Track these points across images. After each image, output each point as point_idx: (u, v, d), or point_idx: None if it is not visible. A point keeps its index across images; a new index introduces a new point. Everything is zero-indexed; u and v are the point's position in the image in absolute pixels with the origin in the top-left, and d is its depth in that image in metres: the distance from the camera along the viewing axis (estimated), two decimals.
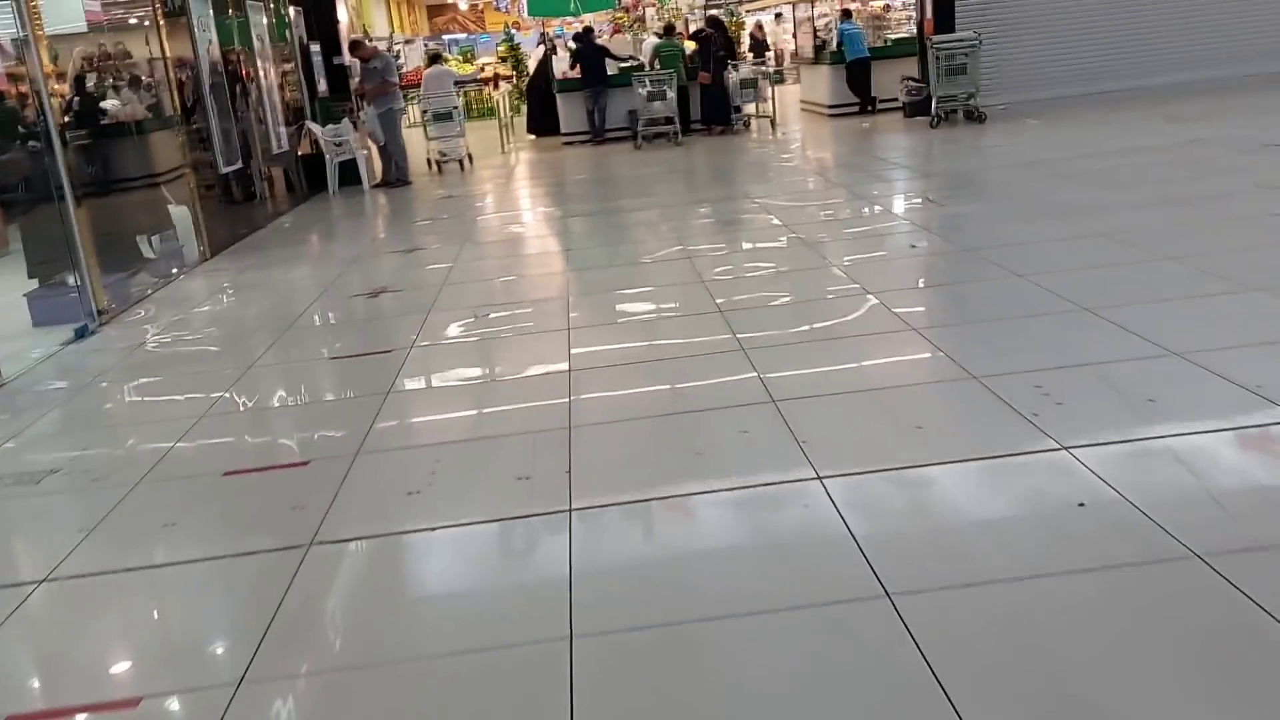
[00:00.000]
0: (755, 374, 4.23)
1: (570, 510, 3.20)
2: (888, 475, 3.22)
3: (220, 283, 7.70)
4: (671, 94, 13.96)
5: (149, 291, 7.37)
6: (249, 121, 10.18)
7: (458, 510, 3.30)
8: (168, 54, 8.34)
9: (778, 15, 27.26)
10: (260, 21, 10.94)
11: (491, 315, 5.81)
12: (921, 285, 5.73)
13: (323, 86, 12.93)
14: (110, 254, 7.06)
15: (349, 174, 12.28)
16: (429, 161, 13.70)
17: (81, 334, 6.36)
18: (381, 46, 24.60)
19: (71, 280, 6.64)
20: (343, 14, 13.89)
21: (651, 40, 16.45)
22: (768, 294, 5.71)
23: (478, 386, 4.70)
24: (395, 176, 12.39)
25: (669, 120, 14.15)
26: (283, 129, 11.25)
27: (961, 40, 12.66)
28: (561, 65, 15.54)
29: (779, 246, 7.02)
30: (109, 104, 7.63)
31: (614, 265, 7.05)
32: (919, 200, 8.21)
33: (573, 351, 4.88)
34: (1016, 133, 11.69)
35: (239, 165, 9.59)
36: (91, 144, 7.34)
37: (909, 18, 17.60)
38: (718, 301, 5.51)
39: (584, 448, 3.69)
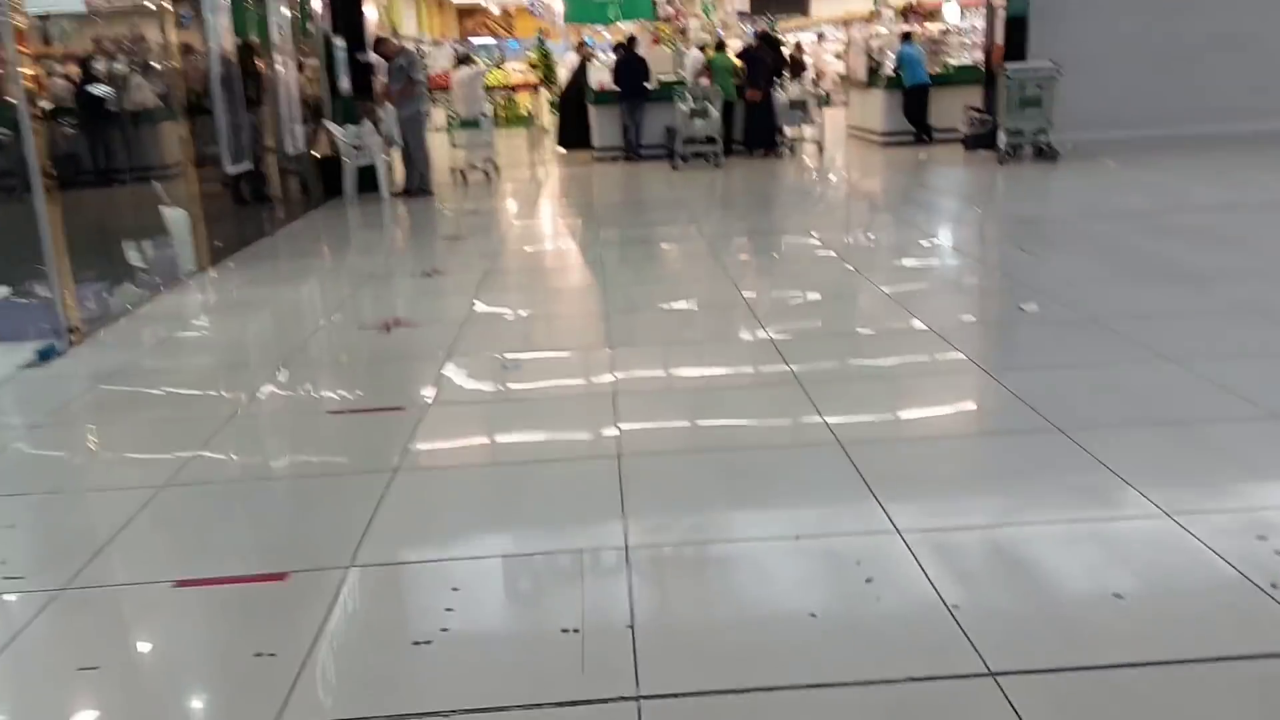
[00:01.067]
0: (874, 500, 3.25)
1: (639, 699, 2.26)
2: None
3: (214, 300, 6.79)
4: (715, 112, 13.06)
5: (131, 307, 6.47)
6: (262, 118, 9.30)
7: (482, 678, 2.36)
8: (171, 40, 7.45)
9: (820, 36, 26.40)
10: (280, 12, 10.07)
11: (521, 366, 4.88)
12: (1053, 365, 4.65)
13: (345, 85, 12.06)
14: (89, 260, 6.15)
15: (368, 180, 11.39)
16: (453, 171, 12.81)
17: (46, 355, 5.45)
18: (410, 46, 23.86)
19: (42, 290, 5.74)
20: (371, 11, 13.00)
21: (694, 54, 15.55)
22: (850, 359, 4.77)
23: (505, 472, 3.75)
24: (417, 185, 11.50)
25: (710, 140, 13.24)
26: (299, 128, 10.37)
27: (1038, 70, 11.73)
28: (599, 75, 14.65)
29: (856, 297, 6.10)
30: (98, 90, 6.74)
31: (658, 307, 6.12)
32: (1009, 248, 7.26)
33: (622, 428, 3.94)
34: (1095, 175, 10.74)
35: (247, 165, 8.70)
36: (76, 134, 6.45)
37: (972, 43, 16.69)
38: (793, 368, 4.57)
39: (647, 590, 2.75)
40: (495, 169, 12.88)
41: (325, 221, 10.14)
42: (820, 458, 3.55)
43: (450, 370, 4.87)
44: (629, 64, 13.93)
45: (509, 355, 5.00)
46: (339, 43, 12.01)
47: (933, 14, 19.55)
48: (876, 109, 14.95)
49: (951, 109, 14.16)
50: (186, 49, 7.71)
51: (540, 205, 11.07)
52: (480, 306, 6.20)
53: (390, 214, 10.71)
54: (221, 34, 8.21)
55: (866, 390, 4.35)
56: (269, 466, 3.96)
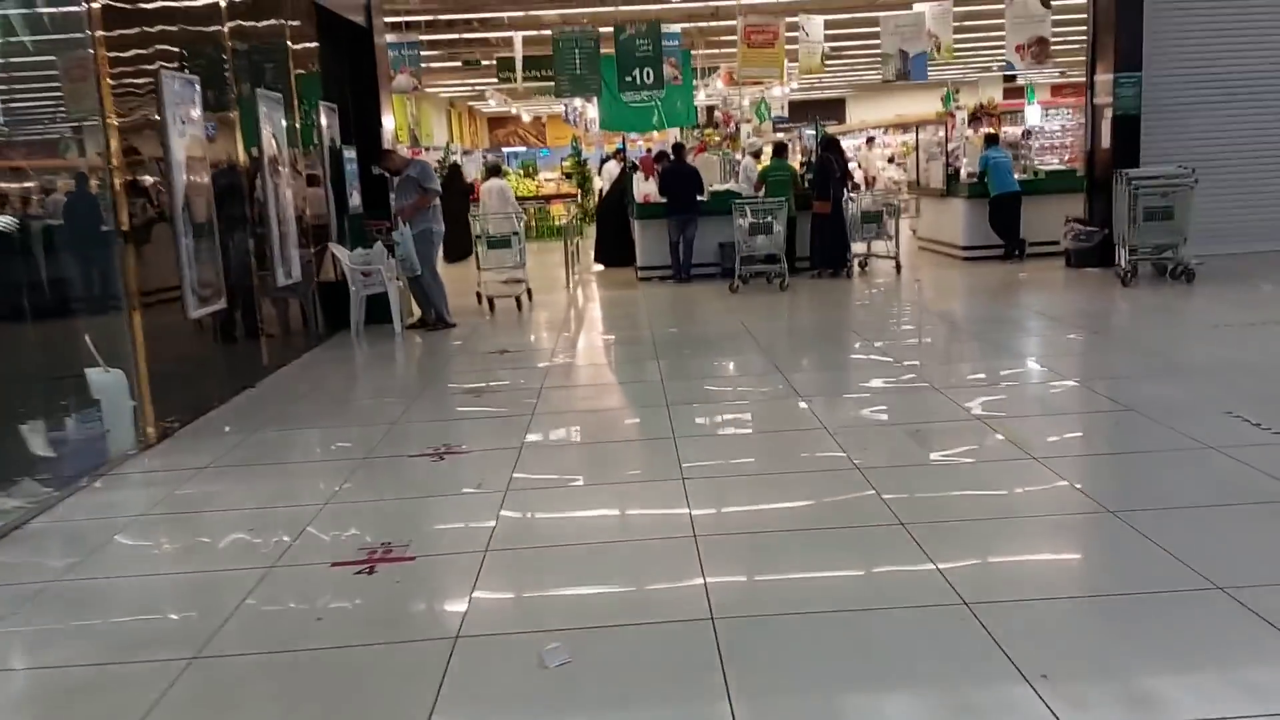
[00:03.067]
0: None
1: None
2: None
3: (142, 505, 4.94)
4: (779, 226, 11.35)
5: (29, 517, 4.65)
6: (244, 244, 7.63)
7: None
8: (114, 150, 5.77)
9: (869, 140, 25.00)
10: (277, 119, 8.50)
11: (573, 658, 2.98)
12: None
13: (355, 201, 10.47)
14: None
15: (378, 309, 9.70)
16: (479, 296, 11.11)
17: None
18: (436, 156, 22.60)
19: None
20: (389, 120, 11.49)
21: (749, 161, 13.97)
22: (1047, 591, 2.87)
23: None
24: (434, 317, 9.78)
25: (773, 259, 11.52)
26: (295, 253, 8.70)
27: (1171, 178, 9.95)
28: (646, 187, 13.03)
29: (1023, 487, 4.19)
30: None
31: (765, 506, 4.23)
32: (1215, 415, 5.32)
33: None
34: (1254, 302, 8.86)
35: (219, 305, 6.98)
36: None
37: (1060, 145, 15.03)
38: (993, 635, 2.65)
39: None
40: (528, 294, 11.18)
41: (322, 366, 8.37)
42: None
43: (460, 672, 2.98)
44: (678, 173, 12.30)
45: (549, 645, 3.10)
46: (349, 154, 10.46)
47: (1001, 116, 18.00)
48: (956, 220, 13.22)
49: (1043, 220, 12.44)
50: (134, 157, 6.04)
51: (583, 342, 9.28)
52: (509, 516, 4.34)
53: (401, 354, 8.96)
54: (185, 143, 6.56)
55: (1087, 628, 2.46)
56: None
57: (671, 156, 12.79)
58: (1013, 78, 28.90)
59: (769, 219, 11.31)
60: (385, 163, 9.95)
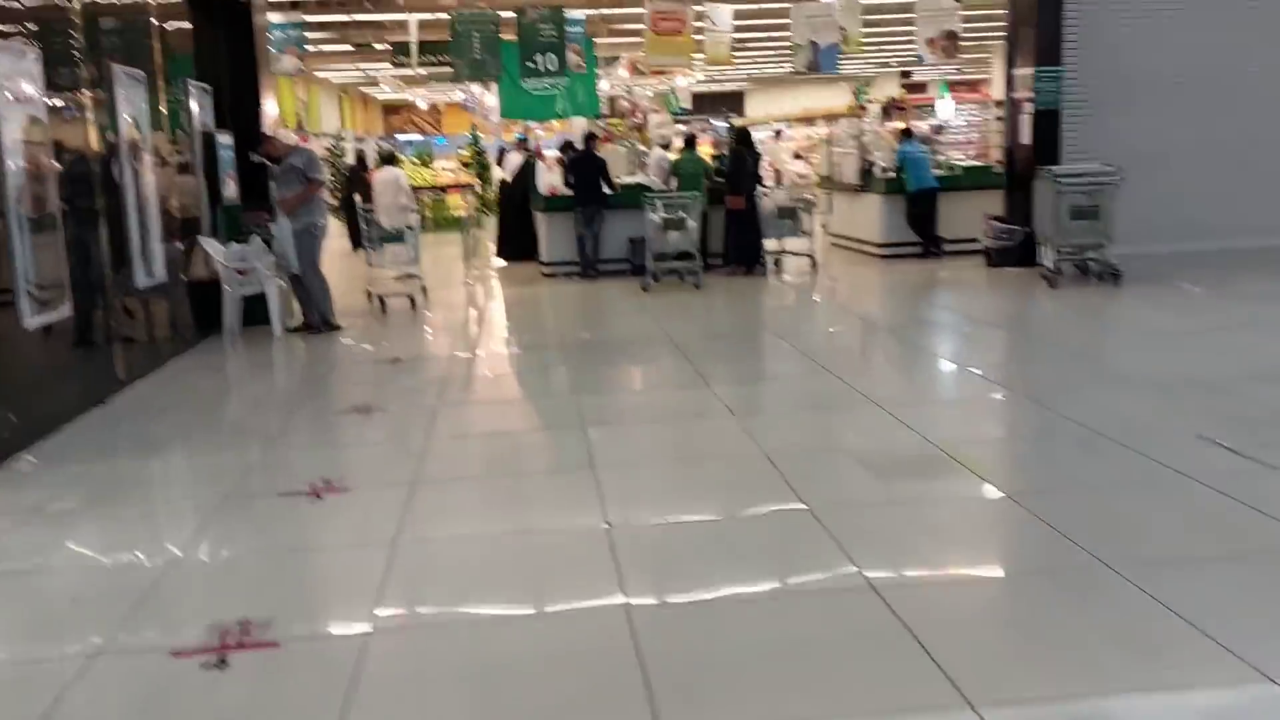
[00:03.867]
0: None
1: None
2: None
3: None
4: (694, 222, 10.73)
5: None
6: (96, 240, 6.66)
7: None
8: None
9: (777, 133, 24.62)
10: (138, 100, 7.52)
11: None
12: None
13: (231, 191, 9.48)
14: None
15: (256, 311, 8.77)
16: (369, 295, 10.23)
17: None
18: (326, 143, 21.43)
19: None
20: (271, 104, 10.48)
21: (659, 153, 13.33)
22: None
23: None
24: (319, 320, 8.88)
25: (687, 256, 10.90)
26: (159, 249, 7.73)
27: (1096, 176, 9.62)
28: (551, 178, 12.28)
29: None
30: None
31: (702, 546, 3.58)
32: (1183, 440, 4.85)
33: None
34: (1189, 307, 8.57)
35: (62, 312, 6.02)
36: None
37: (967, 141, 14.76)
38: None
39: None
40: (423, 293, 10.34)
41: (188, 376, 7.44)
42: None
43: None
44: (586, 164, 11.59)
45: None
46: (224, 140, 9.46)
47: (910, 109, 17.71)
48: (873, 217, 12.78)
49: (961, 218, 12.10)
50: None
51: (485, 348, 8.50)
52: (401, 578, 3.59)
53: (280, 362, 8.08)
54: (18, 125, 5.60)
55: None
56: None
57: (579, 146, 12.05)
58: (909, 74, 29.01)
59: (683, 214, 10.68)
60: (265, 149, 8.99)
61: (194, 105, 8.89)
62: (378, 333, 9.04)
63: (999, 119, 13.19)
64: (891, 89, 32.48)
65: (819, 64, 14.38)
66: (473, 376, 7.28)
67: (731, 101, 36.04)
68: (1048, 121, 11.12)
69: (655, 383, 6.96)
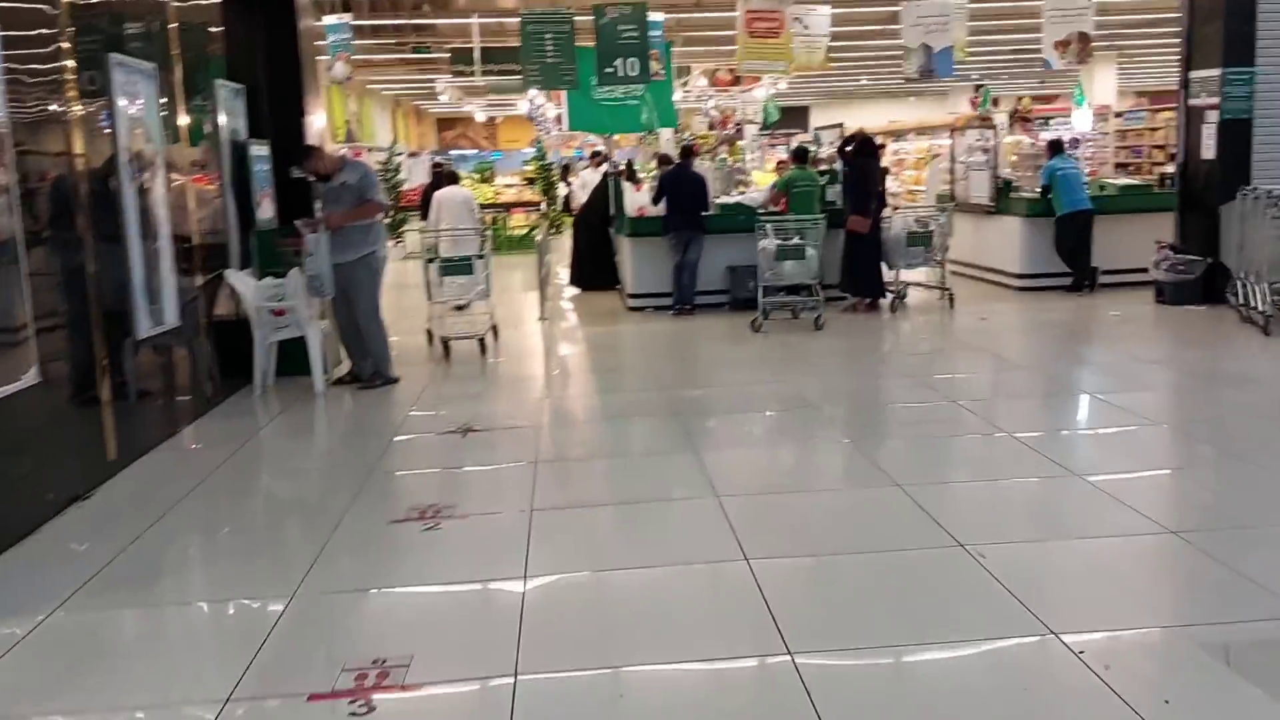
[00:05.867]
0: None
1: None
2: None
3: None
4: (813, 249, 9.01)
5: None
6: (83, 277, 5.09)
7: None
8: None
9: (880, 147, 22.74)
10: (148, 99, 5.96)
11: None
12: None
13: (267, 213, 7.92)
14: None
15: (295, 357, 7.20)
16: (430, 336, 8.62)
17: None
18: (379, 158, 19.99)
19: None
20: (318, 112, 8.93)
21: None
22: None
23: None
24: (370, 371, 7.28)
25: (805, 290, 9.19)
26: (172, 285, 6.15)
27: None
28: (645, 198, 10.62)
29: None
30: None
31: None
32: None
33: None
34: None
35: (26, 379, 4.42)
36: None
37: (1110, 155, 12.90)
38: None
39: None
40: (494, 334, 8.71)
41: (202, 456, 5.81)
42: None
43: None
44: (683, 181, 9.91)
45: None
46: (259, 151, 7.90)
47: (1043, 120, 15.83)
48: (1010, 242, 10.97)
49: (1115, 245, 10.29)
50: None
51: (577, 410, 6.83)
52: None
53: (322, 431, 6.47)
54: None
55: None
56: None
57: (676, 160, 10.38)
58: (981, 87, 27.00)
59: (801, 241, 8.95)
60: (310, 164, 7.35)
61: (222, 110, 7.33)
62: (442, 388, 7.40)
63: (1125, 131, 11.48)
64: (964, 104, 30.53)
65: (934, 69, 12.62)
66: (567, 458, 5.58)
67: (795, 116, 34.21)
68: (1236, 133, 9.28)
69: (817, 471, 5.22)
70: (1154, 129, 18.94)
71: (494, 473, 5.25)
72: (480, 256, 8.50)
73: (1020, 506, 4.48)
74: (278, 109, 8.29)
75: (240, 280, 7.11)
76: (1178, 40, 10.01)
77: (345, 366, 7.56)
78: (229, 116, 7.46)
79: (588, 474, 5.25)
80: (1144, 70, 27.16)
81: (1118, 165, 18.46)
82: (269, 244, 7.68)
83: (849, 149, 10.04)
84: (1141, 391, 6.51)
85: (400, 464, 5.52)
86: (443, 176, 12.08)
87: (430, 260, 8.62)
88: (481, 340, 8.44)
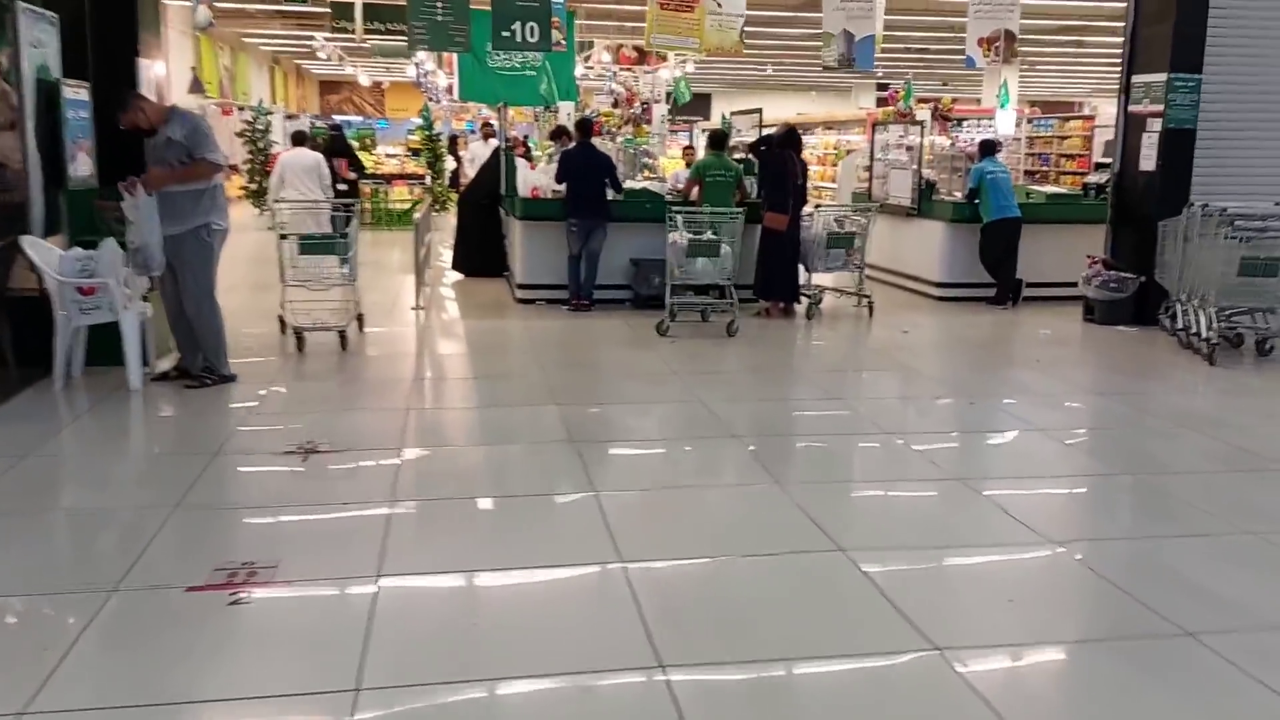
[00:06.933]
0: None
1: None
2: None
3: None
4: (729, 246, 8.07)
5: None
6: None
7: None
8: None
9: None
10: None
11: None
12: None
13: (83, 170, 6.55)
14: None
15: (111, 345, 5.90)
16: (282, 324, 7.39)
17: None
18: (245, 117, 18.31)
19: None
20: (154, 53, 7.55)
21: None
22: None
23: None
24: (202, 365, 6.04)
25: (718, 291, 8.27)
26: None
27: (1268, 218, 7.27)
28: (534, 177, 9.52)
29: None
30: None
31: None
32: None
33: None
34: None
35: None
36: None
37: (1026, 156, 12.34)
38: None
39: None
40: (358, 323, 7.53)
41: None
42: None
43: None
44: (586, 161, 8.84)
45: None
46: (75, 95, 6.54)
47: (956, 122, 15.21)
48: (932, 249, 10.25)
49: (1039, 256, 9.69)
50: None
51: (451, 431, 5.74)
52: None
53: (131, 445, 5.23)
54: None
55: None
56: None
57: (575, 136, 9.32)
58: (885, 86, 26.67)
59: (715, 235, 8.00)
60: (130, 114, 5.98)
61: (26, 38, 5.96)
62: (289, 390, 6.21)
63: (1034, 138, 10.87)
64: (868, 100, 30.17)
65: (854, 59, 11.83)
66: (433, 495, 4.47)
67: (698, 104, 33.41)
68: (1178, 143, 8.68)
69: (725, 503, 4.26)
70: (1063, 137, 18.68)
71: (335, 520, 4.11)
72: (344, 236, 7.29)
73: (939, 553, 3.59)
74: (104, 47, 6.94)
75: (38, 249, 5.78)
76: (1076, 51, 9.44)
77: (175, 358, 6.29)
78: (35, 49, 6.09)
79: (458, 524, 4.14)
80: (1040, 80, 27.24)
81: (1026, 172, 18.15)
82: (84, 207, 6.34)
83: (764, 149, 9.12)
84: (1097, 431, 5.73)
85: (217, 496, 4.34)
86: (295, 138, 10.76)
87: (284, 237, 7.36)
88: (343, 333, 7.23)
